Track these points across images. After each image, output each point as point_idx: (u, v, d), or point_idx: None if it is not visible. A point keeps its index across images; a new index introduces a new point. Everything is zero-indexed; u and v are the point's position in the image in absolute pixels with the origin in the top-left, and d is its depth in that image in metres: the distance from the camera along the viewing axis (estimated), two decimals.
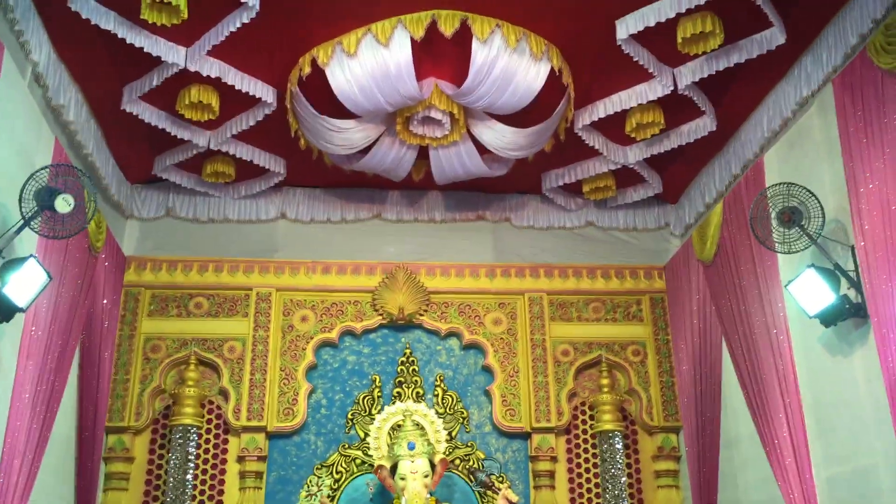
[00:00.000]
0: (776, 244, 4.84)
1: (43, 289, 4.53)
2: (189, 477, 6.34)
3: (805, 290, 4.67)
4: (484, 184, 7.13)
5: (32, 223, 4.47)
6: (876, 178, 4.30)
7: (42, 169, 4.56)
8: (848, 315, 4.51)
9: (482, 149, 6.38)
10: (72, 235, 4.71)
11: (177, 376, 6.73)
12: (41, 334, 4.90)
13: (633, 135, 6.16)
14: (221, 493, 6.51)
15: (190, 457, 6.38)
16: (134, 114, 5.84)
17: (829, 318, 4.62)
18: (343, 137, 6.05)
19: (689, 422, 6.58)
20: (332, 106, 5.68)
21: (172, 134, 6.11)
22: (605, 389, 6.85)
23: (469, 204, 7.46)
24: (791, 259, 4.97)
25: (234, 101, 5.88)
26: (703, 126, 6.09)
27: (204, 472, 6.53)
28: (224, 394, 6.70)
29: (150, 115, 5.93)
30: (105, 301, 6.23)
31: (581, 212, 7.47)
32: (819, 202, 4.65)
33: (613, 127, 6.22)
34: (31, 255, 4.46)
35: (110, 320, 6.40)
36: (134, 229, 7.12)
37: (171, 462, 6.35)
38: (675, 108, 5.92)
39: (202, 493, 6.48)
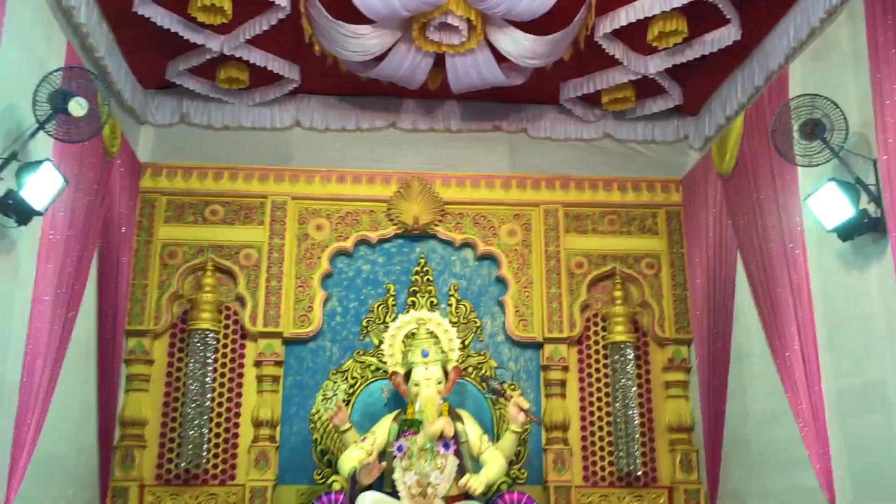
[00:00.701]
0: (797, 157, 4.77)
1: (59, 192, 4.55)
2: (208, 380, 6.50)
3: (824, 204, 4.62)
4: (501, 93, 7.02)
5: (46, 126, 4.45)
6: None
7: (55, 71, 4.51)
8: (866, 229, 4.47)
9: (500, 57, 6.25)
10: (87, 139, 4.70)
11: (194, 282, 6.81)
12: (59, 238, 4.94)
13: (654, 44, 6.01)
14: (240, 395, 6.67)
15: (208, 360, 6.53)
16: (146, 16, 5.73)
17: (846, 233, 4.59)
18: (358, 43, 5.94)
19: (700, 334, 6.64)
20: (347, 10, 5.55)
21: (185, 38, 6.02)
22: (618, 301, 6.90)
23: (485, 114, 7.36)
24: (811, 172, 4.90)
25: (248, 5, 5.76)
26: (727, 35, 5.92)
27: (222, 375, 6.68)
28: (240, 300, 6.79)
29: (163, 18, 5.82)
30: (121, 207, 6.26)
31: (599, 123, 7.37)
32: (843, 114, 4.55)
33: (634, 36, 6.06)
34: (46, 159, 4.46)
35: (127, 226, 6.44)
36: (149, 135, 7.09)
37: (191, 365, 6.50)
38: (699, 16, 5.75)
39: (221, 395, 6.64)
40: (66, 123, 4.50)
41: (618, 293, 6.94)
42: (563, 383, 6.84)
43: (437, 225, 7.09)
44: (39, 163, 4.41)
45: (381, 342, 6.51)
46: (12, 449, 4.45)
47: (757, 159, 5.72)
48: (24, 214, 4.37)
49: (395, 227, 7.07)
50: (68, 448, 5.50)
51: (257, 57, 6.41)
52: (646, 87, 6.84)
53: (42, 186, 4.42)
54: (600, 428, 6.85)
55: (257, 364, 6.68)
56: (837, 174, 4.65)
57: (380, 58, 6.30)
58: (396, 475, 5.63)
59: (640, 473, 6.68)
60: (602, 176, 7.30)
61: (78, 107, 4.40)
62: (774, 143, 4.85)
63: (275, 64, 6.55)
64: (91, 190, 5.43)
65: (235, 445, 6.57)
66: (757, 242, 5.66)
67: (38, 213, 4.47)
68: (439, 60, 6.37)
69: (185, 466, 6.37)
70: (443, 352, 6.06)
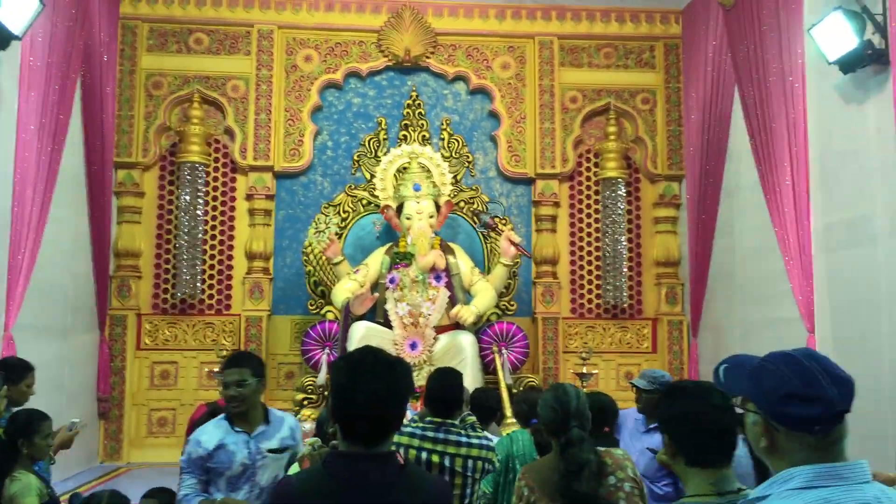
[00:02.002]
0: None
1: (36, 16, 4.36)
2: (199, 212, 6.51)
3: (828, 35, 4.49)
4: None
5: None
6: None
7: None
8: (869, 61, 4.36)
9: None
10: None
11: (181, 114, 6.69)
12: (40, 65, 4.78)
13: None
14: (232, 228, 6.71)
15: (199, 193, 6.52)
16: None
17: (848, 65, 4.48)
18: None
19: (692, 170, 6.63)
20: None
21: None
22: (612, 137, 6.84)
23: None
24: (817, 2, 4.73)
25: None
26: None
27: (214, 208, 6.68)
28: (230, 133, 6.69)
29: None
30: (102, 33, 6.03)
31: None
32: None
33: None
34: None
35: (109, 54, 6.23)
36: None
37: (182, 198, 6.49)
38: None
39: (213, 227, 6.67)
40: None
41: (611, 129, 6.87)
42: (553, 218, 6.89)
43: (429, 57, 6.90)
44: None
45: (372, 176, 6.49)
46: (8, 276, 4.50)
47: None
48: (1, 38, 4.21)
49: (385, 58, 6.88)
50: (64, 277, 5.58)
51: None
52: None
53: (18, 9, 4.23)
54: (589, 262, 6.97)
55: (248, 197, 6.68)
56: (844, 3, 4.48)
57: None
58: (389, 306, 5.77)
59: (625, 306, 6.86)
60: (599, 6, 7.05)
61: None
62: None
63: None
64: (69, 14, 5.21)
65: (230, 277, 6.67)
66: (755, 76, 5.54)
67: (16, 38, 4.31)
68: None
69: (181, 296, 6.49)
70: (435, 186, 6.05)
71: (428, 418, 2.66)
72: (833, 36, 4.45)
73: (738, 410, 1.32)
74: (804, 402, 1.20)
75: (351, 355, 1.67)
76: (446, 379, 2.77)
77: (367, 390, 1.57)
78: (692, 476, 1.54)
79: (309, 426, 4.70)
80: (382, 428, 1.60)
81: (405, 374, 1.64)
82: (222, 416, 2.76)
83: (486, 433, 2.80)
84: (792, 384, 1.22)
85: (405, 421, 2.19)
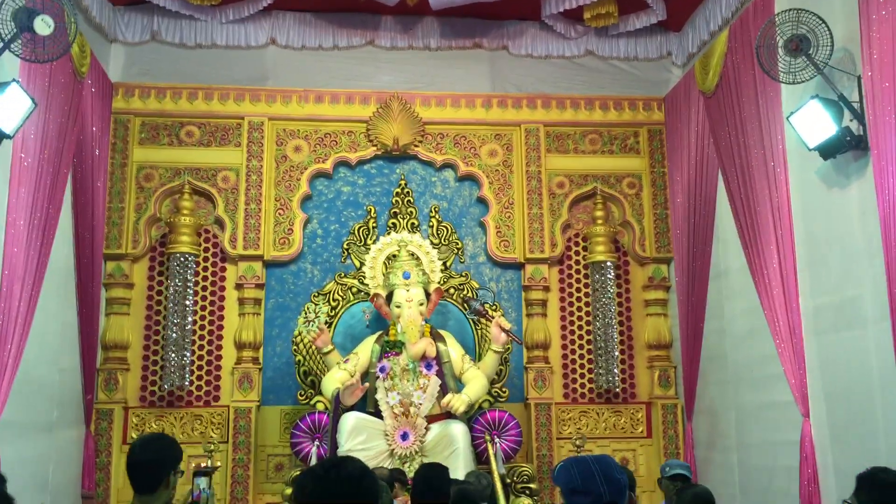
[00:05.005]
0: (781, 74, 4.70)
1: (28, 115, 4.43)
2: (189, 303, 6.48)
3: (807, 122, 4.59)
4: (481, 9, 6.84)
5: (12, 46, 4.29)
6: (890, 4, 4.12)
7: None
8: (848, 147, 4.45)
9: None
10: (55, 59, 4.55)
11: (171, 205, 6.73)
12: (31, 161, 4.83)
13: None
14: (222, 318, 6.67)
15: (189, 283, 6.50)
16: None
17: (828, 151, 4.57)
18: None
19: (680, 253, 6.67)
20: None
21: None
22: (599, 221, 6.90)
23: (465, 31, 7.20)
24: (794, 90, 4.85)
25: None
26: None
27: (203, 298, 6.66)
28: (220, 223, 6.73)
29: None
30: (94, 128, 6.11)
31: (581, 40, 7.23)
32: (829, 29, 4.47)
33: None
34: (13, 80, 4.32)
35: (101, 148, 6.31)
36: (119, 54, 6.88)
37: (171, 288, 6.48)
38: None
39: (202, 318, 6.63)
40: (32, 43, 4.35)
41: (599, 213, 6.94)
42: (544, 303, 6.89)
43: (417, 145, 7.01)
44: (6, 84, 4.28)
45: (362, 264, 6.51)
46: None
47: (740, 76, 5.64)
48: None
49: (374, 147, 6.98)
50: (51, 371, 5.50)
51: None
52: (629, 2, 6.70)
53: (10, 109, 4.30)
54: (580, 346, 6.93)
55: (238, 287, 6.67)
56: (821, 91, 4.60)
57: None
58: (379, 395, 5.71)
59: (618, 390, 6.80)
60: (583, 94, 7.21)
61: (44, 25, 4.25)
62: (759, 60, 4.77)
63: None
64: (62, 111, 5.29)
65: (219, 367, 6.60)
66: (738, 161, 5.64)
67: (8, 137, 4.36)
68: None
69: (168, 388, 6.40)
70: (424, 273, 6.06)
71: None
72: (812, 123, 4.55)
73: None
74: (581, 494, 1.78)
75: (313, 471, 1.64)
76: (431, 473, 2.73)
77: None
78: None
79: None
80: None
81: (370, 488, 1.60)
82: None
83: None
84: (575, 481, 1.80)
85: None
